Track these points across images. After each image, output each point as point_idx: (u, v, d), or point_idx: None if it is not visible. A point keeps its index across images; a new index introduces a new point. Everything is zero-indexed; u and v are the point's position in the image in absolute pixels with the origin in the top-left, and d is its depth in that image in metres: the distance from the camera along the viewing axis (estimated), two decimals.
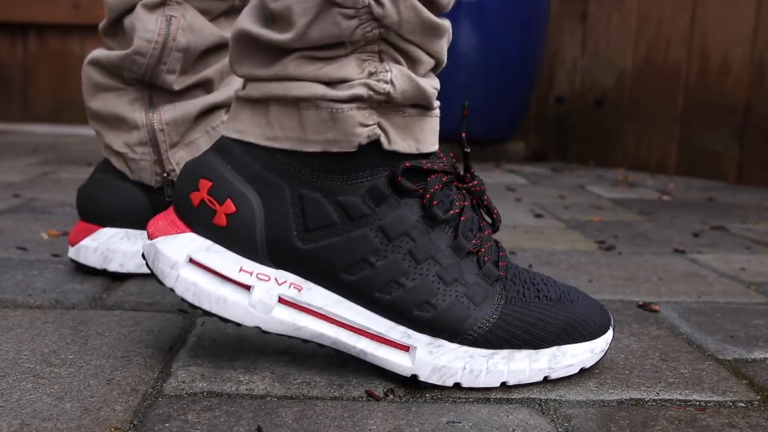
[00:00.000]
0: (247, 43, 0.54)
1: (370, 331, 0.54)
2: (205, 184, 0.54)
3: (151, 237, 0.55)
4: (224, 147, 0.55)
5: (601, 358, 0.59)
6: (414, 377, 0.54)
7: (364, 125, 0.52)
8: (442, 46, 0.55)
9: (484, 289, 0.55)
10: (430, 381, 0.54)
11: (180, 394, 0.52)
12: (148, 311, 0.69)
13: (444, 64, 0.56)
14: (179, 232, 0.54)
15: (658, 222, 1.26)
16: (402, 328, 0.54)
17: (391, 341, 0.54)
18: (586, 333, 0.57)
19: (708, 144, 1.85)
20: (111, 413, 0.48)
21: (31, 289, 0.73)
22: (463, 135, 0.59)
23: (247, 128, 0.54)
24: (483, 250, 0.56)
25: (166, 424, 0.47)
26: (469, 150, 0.58)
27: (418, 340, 0.54)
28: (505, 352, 0.55)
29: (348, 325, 0.54)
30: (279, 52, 0.53)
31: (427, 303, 0.53)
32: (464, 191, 0.57)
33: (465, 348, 0.54)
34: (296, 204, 0.53)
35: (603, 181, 1.76)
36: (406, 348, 0.54)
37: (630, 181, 1.79)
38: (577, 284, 0.84)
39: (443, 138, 0.59)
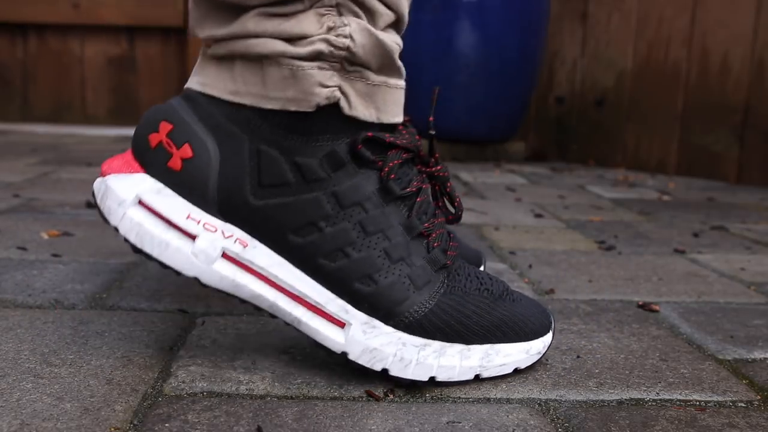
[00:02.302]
0: (205, 4, 0.53)
1: (308, 300, 0.53)
2: (165, 127, 0.53)
3: (103, 175, 0.54)
4: (190, 96, 0.54)
5: (539, 359, 0.58)
6: (344, 354, 0.53)
7: (324, 86, 0.51)
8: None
9: (427, 273, 0.55)
10: (359, 362, 0.53)
11: (180, 394, 0.52)
12: (148, 311, 0.69)
13: (405, 21, 0.55)
14: (132, 172, 0.53)
15: (658, 222, 1.26)
16: (341, 302, 0.53)
17: (328, 314, 0.53)
18: (523, 333, 0.56)
19: (708, 144, 1.85)
20: (111, 413, 0.48)
21: (31, 289, 0.73)
22: (431, 119, 0.58)
23: (212, 82, 0.54)
24: (434, 235, 0.56)
25: (166, 424, 0.47)
26: (434, 132, 0.57)
27: (355, 317, 0.53)
28: (437, 345, 0.54)
29: (287, 291, 0.53)
30: (237, 10, 0.52)
31: (369, 277, 0.53)
32: (425, 174, 0.57)
33: (399, 334, 0.53)
34: (253, 158, 0.52)
35: (603, 181, 1.76)
36: (341, 324, 0.53)
37: (630, 181, 1.79)
38: (577, 284, 0.84)
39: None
